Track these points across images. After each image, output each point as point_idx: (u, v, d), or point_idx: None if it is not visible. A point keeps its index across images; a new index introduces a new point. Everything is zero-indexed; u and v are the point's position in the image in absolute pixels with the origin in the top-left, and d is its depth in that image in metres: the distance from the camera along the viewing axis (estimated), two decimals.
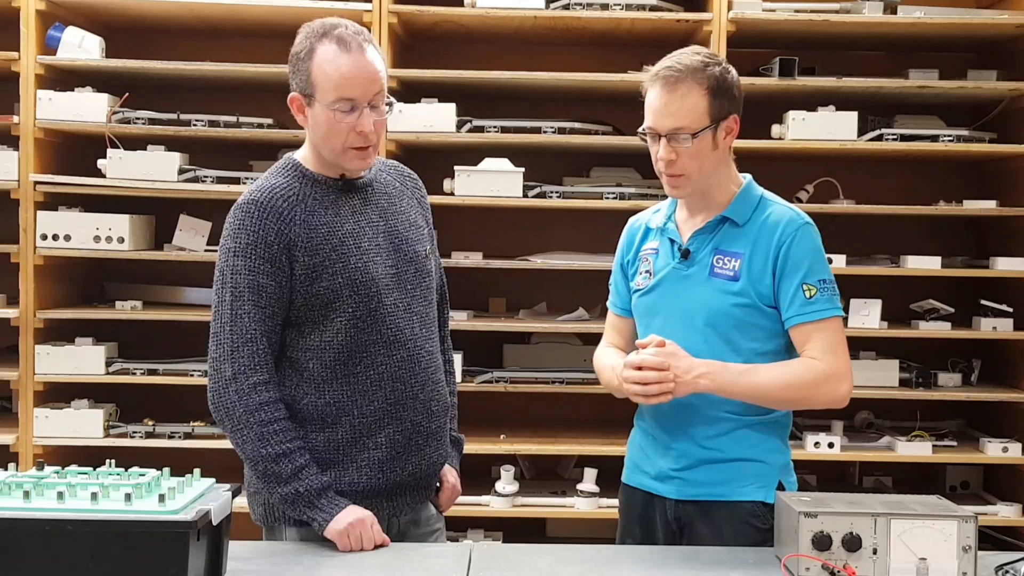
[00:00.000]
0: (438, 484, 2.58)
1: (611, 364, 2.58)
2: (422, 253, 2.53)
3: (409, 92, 4.15)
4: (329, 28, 2.37)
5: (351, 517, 2.33)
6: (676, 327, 2.46)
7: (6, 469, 2.05)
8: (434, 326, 2.56)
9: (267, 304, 2.34)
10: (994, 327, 4.16)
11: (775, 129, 4.12)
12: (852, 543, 2.05)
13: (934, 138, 4.15)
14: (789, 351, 2.49)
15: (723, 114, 2.45)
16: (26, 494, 1.90)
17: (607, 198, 4.15)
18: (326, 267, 2.37)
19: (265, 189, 2.39)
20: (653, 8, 4.08)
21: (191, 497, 1.95)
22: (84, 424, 4.05)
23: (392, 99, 2.45)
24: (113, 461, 2.08)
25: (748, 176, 2.57)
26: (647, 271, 2.58)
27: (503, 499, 4.08)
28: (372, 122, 2.37)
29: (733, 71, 2.50)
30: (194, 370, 4.10)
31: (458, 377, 4.03)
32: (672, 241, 2.55)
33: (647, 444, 2.57)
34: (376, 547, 2.33)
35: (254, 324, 2.33)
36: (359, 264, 2.40)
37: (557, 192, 4.18)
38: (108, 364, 4.10)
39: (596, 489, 4.09)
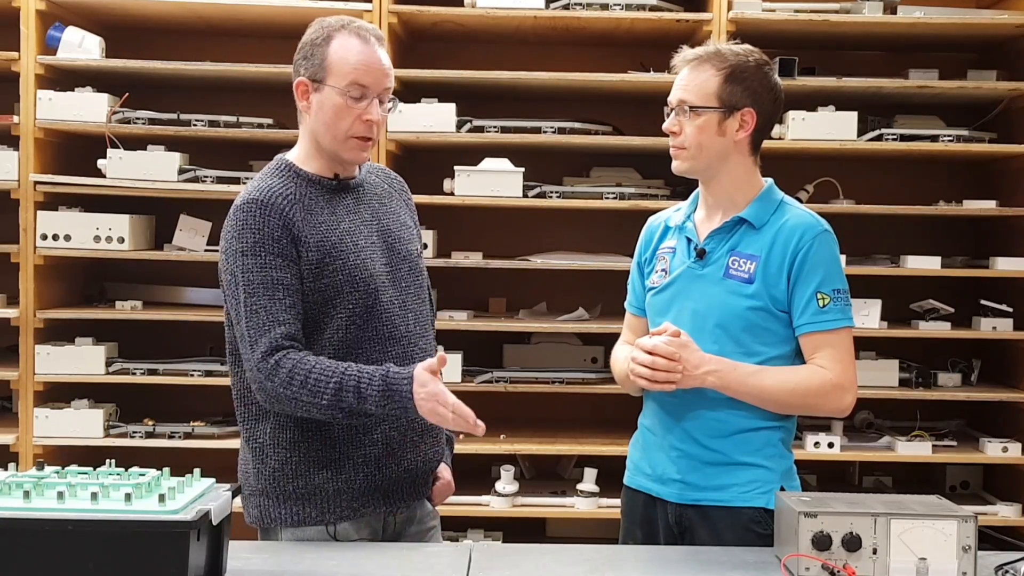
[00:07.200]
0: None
1: (626, 355, 2.57)
2: (414, 252, 2.55)
3: (409, 92, 4.14)
4: (347, 22, 2.44)
5: (422, 400, 2.27)
6: (687, 326, 2.46)
7: (6, 469, 2.04)
8: (428, 324, 2.57)
9: (284, 296, 2.33)
10: (994, 327, 4.16)
11: (775, 129, 4.11)
12: (852, 543, 2.05)
13: (934, 138, 4.15)
14: (798, 356, 2.49)
15: (735, 102, 2.46)
16: (26, 494, 1.90)
17: (607, 198, 4.15)
18: (327, 264, 2.37)
19: (263, 189, 2.40)
20: (653, 8, 4.07)
21: (191, 497, 1.95)
22: (84, 424, 4.05)
23: (396, 100, 2.49)
24: (113, 461, 2.08)
25: (770, 180, 2.57)
26: (663, 269, 2.58)
27: (503, 499, 4.08)
28: (378, 114, 2.41)
29: (770, 73, 2.51)
30: (194, 370, 4.10)
31: (458, 377, 4.06)
32: (689, 240, 2.56)
33: (650, 444, 2.57)
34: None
35: (270, 316, 2.32)
36: (358, 261, 2.41)
37: (557, 192, 4.18)
38: (108, 364, 4.10)
39: (596, 489, 4.09)
